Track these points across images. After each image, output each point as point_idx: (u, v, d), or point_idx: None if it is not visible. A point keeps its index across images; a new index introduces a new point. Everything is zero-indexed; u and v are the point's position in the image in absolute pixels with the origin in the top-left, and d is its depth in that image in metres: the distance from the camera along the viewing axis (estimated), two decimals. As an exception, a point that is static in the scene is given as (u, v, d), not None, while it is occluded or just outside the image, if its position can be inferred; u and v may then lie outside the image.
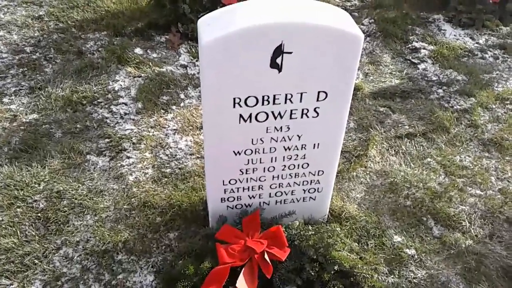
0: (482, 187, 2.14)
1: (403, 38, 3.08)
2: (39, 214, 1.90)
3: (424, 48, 2.99)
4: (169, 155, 2.19)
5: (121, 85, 2.55)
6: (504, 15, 3.27)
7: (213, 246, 1.65)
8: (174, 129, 2.31)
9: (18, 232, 1.84)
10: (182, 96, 2.51)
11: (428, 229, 1.96)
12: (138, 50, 2.79)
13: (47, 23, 3.02)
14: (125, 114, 2.38)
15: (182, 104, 2.46)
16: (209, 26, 1.37)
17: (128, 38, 2.89)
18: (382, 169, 2.20)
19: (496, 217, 2.02)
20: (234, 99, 1.44)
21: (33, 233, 1.84)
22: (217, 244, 1.63)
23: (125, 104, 2.43)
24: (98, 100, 2.45)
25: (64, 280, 1.71)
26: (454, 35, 3.15)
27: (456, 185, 2.13)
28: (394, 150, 2.30)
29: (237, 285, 1.50)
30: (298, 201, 1.85)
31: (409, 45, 3.03)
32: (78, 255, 1.79)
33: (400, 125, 2.44)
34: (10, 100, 2.44)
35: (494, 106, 2.58)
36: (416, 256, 1.85)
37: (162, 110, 2.41)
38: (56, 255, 1.78)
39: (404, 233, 1.94)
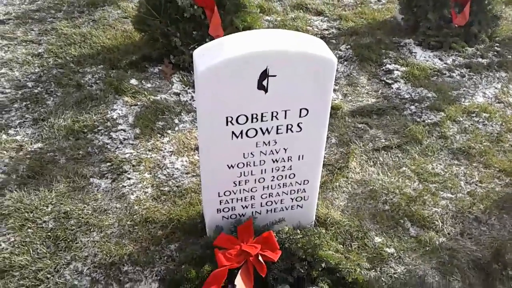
0: (453, 191, 2.36)
1: (377, 61, 3.35)
2: (49, 233, 2.06)
3: (397, 70, 3.26)
4: (167, 175, 2.38)
5: (119, 113, 2.75)
6: (469, 37, 3.57)
7: (211, 253, 1.82)
8: (170, 151, 2.51)
9: (31, 250, 1.99)
10: (176, 121, 2.72)
11: (405, 230, 2.16)
12: (133, 81, 3.01)
13: (47, 59, 3.23)
14: (124, 139, 2.57)
15: (176, 128, 2.66)
16: (203, 56, 1.59)
17: (123, 70, 3.11)
18: (362, 178, 2.41)
19: (466, 216, 2.23)
20: (227, 117, 1.65)
21: (44, 251, 1.99)
22: (215, 250, 1.81)
23: (124, 130, 2.63)
24: (98, 128, 2.64)
25: (75, 291, 1.87)
26: (424, 57, 3.43)
27: (429, 190, 2.35)
28: (373, 162, 2.51)
29: (235, 282, 1.67)
30: (286, 209, 2.04)
31: (383, 67, 3.30)
32: (87, 268, 1.94)
33: (377, 139, 2.66)
34: (15, 132, 2.62)
35: (461, 119, 2.83)
36: (395, 254, 2.05)
37: (158, 135, 2.61)
38: (66, 269, 1.94)
39: (384, 234, 2.13)
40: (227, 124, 1.67)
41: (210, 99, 1.60)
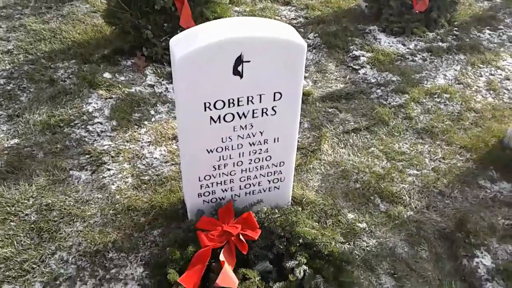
0: (418, 167, 2.51)
1: (344, 48, 3.48)
2: (32, 226, 2.10)
3: (363, 56, 3.40)
4: (146, 164, 2.43)
5: (94, 107, 2.78)
6: (429, 22, 3.74)
7: (194, 235, 1.90)
8: (148, 141, 2.56)
9: (15, 242, 2.02)
10: (152, 112, 2.77)
11: (375, 206, 2.29)
12: (107, 75, 3.03)
13: (17, 56, 3.21)
14: (102, 132, 2.61)
15: (153, 119, 2.71)
16: (179, 45, 1.66)
17: (96, 64, 3.13)
18: (334, 160, 2.53)
19: (431, 191, 2.39)
20: (205, 103, 1.73)
21: (29, 242, 2.03)
22: (198, 232, 1.89)
23: (101, 123, 2.66)
24: (75, 122, 2.67)
25: (62, 279, 1.91)
26: (388, 43, 3.58)
27: (396, 167, 2.49)
28: (343, 144, 2.64)
29: (219, 258, 1.76)
30: (264, 191, 2.14)
31: (350, 54, 3.43)
32: (72, 257, 1.99)
33: (346, 122, 2.79)
34: (-10, 128, 2.62)
35: (424, 100, 2.99)
36: (367, 229, 2.18)
37: (135, 126, 2.66)
38: (52, 259, 1.98)
39: (356, 211, 2.26)
40: (205, 110, 1.74)
41: (188, 85, 1.68)
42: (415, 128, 2.77)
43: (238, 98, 1.76)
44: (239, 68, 1.68)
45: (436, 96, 3.03)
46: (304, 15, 3.90)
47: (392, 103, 2.96)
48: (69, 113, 2.72)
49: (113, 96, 2.87)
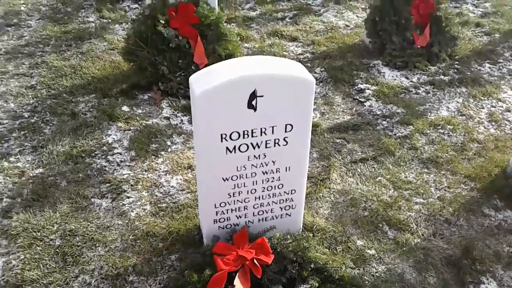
0: (424, 196, 2.61)
1: (350, 82, 3.64)
2: (56, 250, 2.21)
3: (368, 89, 3.55)
4: (163, 192, 2.56)
5: (114, 138, 2.93)
6: (431, 57, 3.91)
7: (210, 260, 2.00)
8: (165, 171, 2.69)
9: (41, 265, 2.13)
10: (168, 143, 2.91)
11: (384, 233, 2.38)
12: (125, 108, 3.20)
13: (40, 91, 3.40)
14: (121, 161, 2.75)
15: (169, 150, 2.85)
16: (199, 82, 1.81)
17: (114, 98, 3.31)
18: (343, 188, 2.64)
19: (437, 219, 2.48)
20: (221, 135, 1.86)
21: (54, 266, 2.14)
22: (214, 256, 1.99)
23: (120, 153, 2.81)
24: (95, 152, 2.82)
25: (85, 302, 2.01)
26: (392, 76, 3.74)
27: (403, 196, 2.59)
28: (351, 173, 2.75)
29: (234, 283, 1.86)
30: (277, 217, 2.25)
31: (356, 87, 3.58)
32: (94, 280, 2.09)
33: (354, 152, 2.91)
34: (16, 159, 2.77)
35: (428, 131, 3.11)
36: (376, 255, 2.26)
37: (153, 156, 2.80)
38: (75, 281, 2.08)
39: (365, 237, 2.35)
40: (221, 141, 1.88)
41: (206, 119, 1.82)
42: (421, 158, 2.88)
43: (252, 130, 1.89)
44: (253, 103, 1.82)
45: (439, 127, 3.16)
46: (311, 51, 4.09)
47: (397, 134, 3.08)
48: (90, 144, 2.88)
49: (131, 128, 3.03)
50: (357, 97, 3.49)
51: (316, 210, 2.50)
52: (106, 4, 4.84)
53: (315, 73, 3.74)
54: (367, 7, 4.45)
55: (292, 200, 2.21)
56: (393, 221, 2.44)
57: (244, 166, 2.00)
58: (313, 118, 3.20)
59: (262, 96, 1.81)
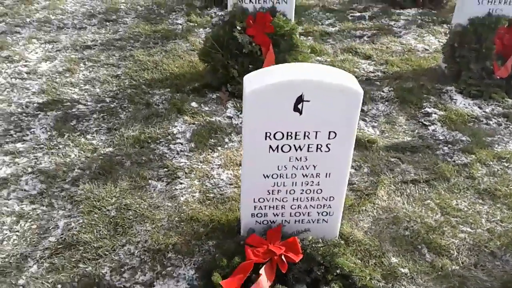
0: (473, 226, 2.52)
1: (417, 104, 3.59)
2: (110, 220, 2.45)
3: (435, 113, 3.48)
4: (213, 184, 2.73)
5: (178, 129, 3.18)
6: (510, 89, 3.73)
7: (242, 249, 2.12)
8: (218, 164, 2.87)
9: (95, 231, 2.38)
10: (226, 140, 3.09)
11: (421, 255, 2.34)
12: (194, 104, 3.45)
13: (123, 80, 3.76)
14: (181, 151, 2.97)
15: (226, 146, 3.03)
16: (251, 81, 1.95)
17: (186, 94, 3.57)
18: (388, 206, 2.63)
19: (482, 250, 2.38)
20: (266, 133, 1.98)
21: (105, 233, 2.38)
22: (246, 246, 2.10)
23: (181, 144, 3.04)
24: (160, 140, 3.07)
25: (126, 268, 2.22)
26: (464, 104, 3.62)
27: (449, 222, 2.53)
28: (400, 192, 2.73)
29: (260, 272, 1.95)
30: (313, 222, 2.31)
31: (422, 110, 3.53)
32: (138, 251, 2.30)
33: (407, 172, 2.88)
34: (92, 137, 3.11)
35: (491, 163, 2.98)
36: (408, 274, 2.24)
37: (209, 150, 2.99)
38: (121, 250, 2.30)
39: (401, 256, 2.33)
40: (265, 139, 2.00)
41: (254, 116, 1.95)
42: (477, 188, 2.78)
43: (295, 132, 1.99)
44: (299, 106, 1.92)
45: (505, 160, 3.01)
46: (383, 70, 4.08)
47: (457, 161, 2.99)
48: (157, 132, 3.14)
49: (196, 122, 3.25)
50: (422, 120, 3.43)
51: (356, 222, 2.52)
52: (195, 9, 5.21)
53: (383, 91, 3.74)
54: (447, 32, 4.35)
55: (330, 207, 2.26)
56: (434, 245, 2.39)
57: (285, 166, 2.10)
58: (371, 135, 3.21)
59: (308, 101, 1.91)
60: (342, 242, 2.20)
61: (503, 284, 2.19)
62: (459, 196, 2.73)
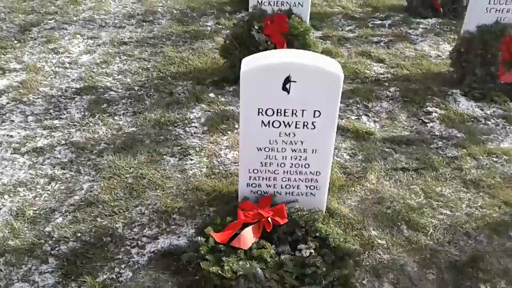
0: (452, 210, 2.73)
1: (420, 103, 3.80)
2: (127, 185, 2.83)
3: (435, 112, 3.69)
4: (219, 162, 3.06)
5: (195, 115, 3.55)
6: (513, 93, 3.89)
7: (236, 212, 2.43)
8: (226, 146, 3.20)
9: (113, 193, 2.76)
10: (236, 126, 3.43)
11: (400, 231, 2.58)
12: (211, 94, 3.82)
13: (152, 72, 4.18)
14: (194, 133, 3.33)
15: (235, 131, 3.36)
16: (247, 64, 2.28)
17: (206, 86, 3.94)
18: (375, 188, 2.88)
19: (458, 230, 2.59)
20: (259, 109, 2.28)
21: (121, 195, 2.75)
22: (238, 209, 2.42)
23: (196, 127, 3.40)
24: (177, 123, 3.45)
25: (136, 224, 2.57)
26: (466, 106, 3.81)
27: (431, 205, 2.75)
28: (388, 177, 2.97)
29: (246, 229, 2.26)
30: (302, 195, 2.58)
31: (424, 109, 3.74)
32: (148, 212, 2.65)
33: (398, 161, 3.12)
34: (119, 118, 3.52)
35: (481, 157, 3.17)
36: (385, 245, 2.48)
37: (220, 133, 3.34)
38: (133, 210, 2.67)
39: (380, 230, 2.57)
40: (258, 114, 2.30)
41: (248, 93, 2.27)
42: (463, 178, 2.98)
43: (284, 110, 2.28)
44: (287, 86, 2.22)
45: (494, 155, 3.19)
46: (393, 72, 4.31)
47: (448, 154, 3.20)
48: (176, 117, 3.52)
49: (211, 110, 3.61)
50: (422, 118, 3.65)
51: (344, 200, 2.78)
52: (225, 13, 5.61)
53: (389, 91, 3.98)
54: (456, 38, 4.54)
55: (317, 181, 2.53)
56: (412, 222, 2.61)
57: (275, 141, 2.39)
58: (370, 128, 3.46)
59: (295, 81, 2.21)
60: (326, 213, 2.46)
61: (471, 258, 2.39)
62: (444, 184, 2.94)
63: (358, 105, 3.78)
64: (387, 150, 3.24)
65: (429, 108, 3.74)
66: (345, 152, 3.20)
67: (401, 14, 5.73)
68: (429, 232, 2.56)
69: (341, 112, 3.64)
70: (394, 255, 2.43)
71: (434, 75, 4.31)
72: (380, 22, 5.54)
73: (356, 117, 3.62)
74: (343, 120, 3.54)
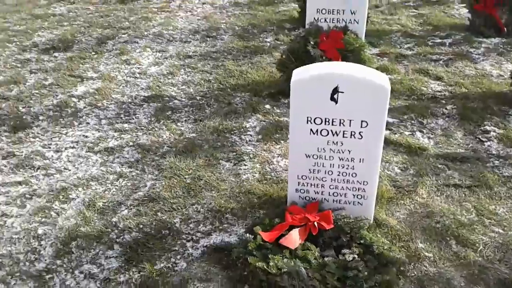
0: (505, 229, 2.68)
1: (477, 122, 3.74)
2: (185, 185, 3.04)
3: (494, 131, 3.62)
4: (271, 169, 3.21)
5: (251, 124, 3.73)
6: None
7: (284, 214, 2.55)
8: (278, 154, 3.35)
9: (172, 191, 2.99)
10: (289, 136, 3.56)
11: (448, 245, 2.57)
12: (267, 106, 3.99)
13: (213, 84, 4.44)
14: (249, 140, 3.51)
15: (287, 141, 3.50)
16: (297, 74, 2.42)
17: (262, 98, 4.13)
18: (425, 202, 2.88)
19: (510, 249, 2.54)
20: (307, 117, 2.42)
21: (180, 194, 2.97)
22: (286, 212, 2.54)
23: (251, 135, 3.58)
24: (234, 131, 3.65)
25: (192, 221, 2.77)
26: (528, 127, 3.71)
27: (482, 222, 2.71)
28: (440, 193, 2.97)
29: (293, 230, 2.37)
30: (349, 203, 2.66)
31: (482, 128, 3.68)
32: (203, 210, 2.84)
33: (451, 178, 3.10)
34: (181, 124, 3.78)
35: (541, 178, 3.08)
36: (432, 258, 2.49)
37: (273, 142, 3.49)
38: (190, 208, 2.87)
39: (428, 243, 2.58)
40: (307, 123, 2.43)
41: (298, 102, 2.40)
42: (519, 198, 2.91)
43: (332, 119, 2.40)
44: (335, 96, 2.34)
45: (556, 177, 3.09)
46: (451, 90, 4.27)
47: (504, 174, 3.13)
48: (233, 125, 3.72)
49: (266, 120, 3.78)
50: (480, 136, 3.59)
51: (392, 212, 2.82)
52: (284, 30, 5.82)
53: (445, 109, 3.95)
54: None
55: (364, 191, 2.60)
56: (461, 238, 2.60)
57: (323, 149, 2.51)
58: (425, 144, 3.46)
59: (343, 92, 2.32)
60: (373, 223, 2.52)
61: (521, 277, 2.35)
62: (499, 203, 2.88)
63: (412, 121, 3.79)
64: (440, 166, 3.23)
65: (487, 127, 3.68)
66: (396, 166, 3.23)
67: (462, 33, 5.64)
68: (479, 249, 2.54)
69: (395, 127, 3.67)
70: (440, 269, 2.43)
71: (495, 94, 4.22)
72: (440, 40, 5.49)
73: (410, 133, 3.64)
74: (396, 135, 3.57)
